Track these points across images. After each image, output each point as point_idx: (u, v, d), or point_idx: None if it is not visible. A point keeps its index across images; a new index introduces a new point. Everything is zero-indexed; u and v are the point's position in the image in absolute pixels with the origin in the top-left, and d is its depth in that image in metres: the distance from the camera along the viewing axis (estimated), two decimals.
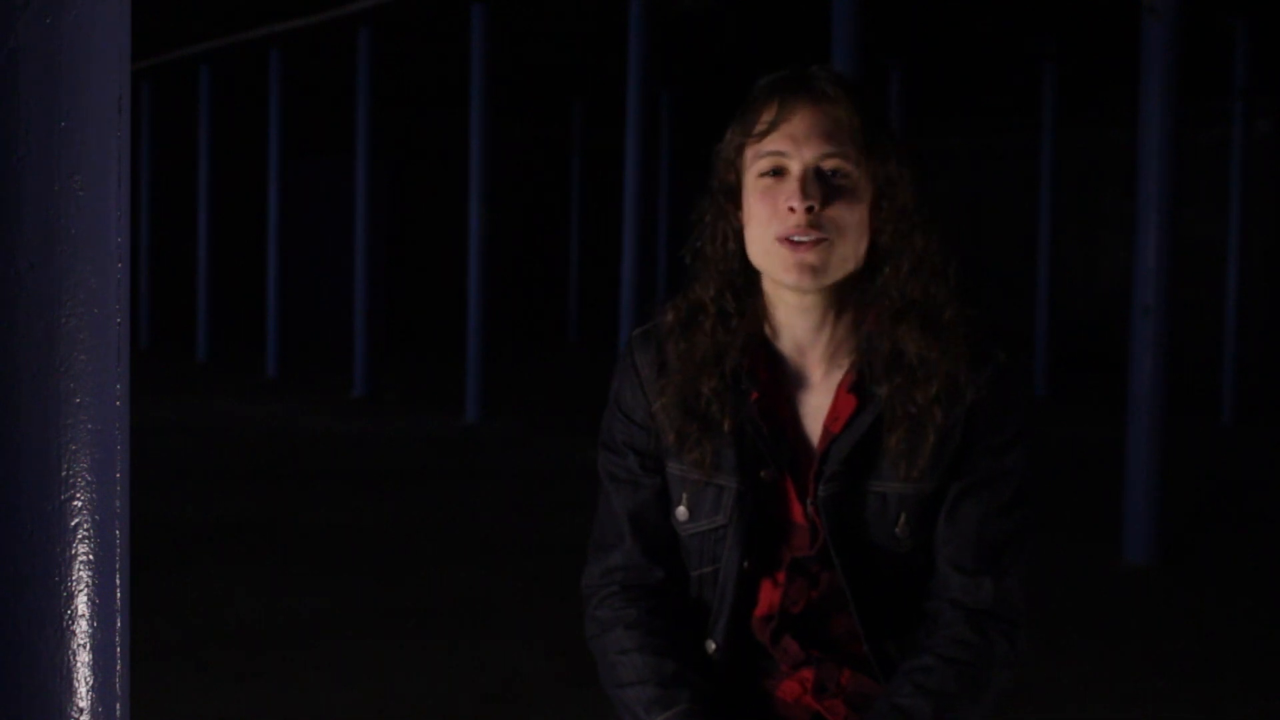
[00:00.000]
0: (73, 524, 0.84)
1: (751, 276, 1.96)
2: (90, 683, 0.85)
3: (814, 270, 1.87)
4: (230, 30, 14.26)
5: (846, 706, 1.94)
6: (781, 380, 1.97)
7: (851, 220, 1.88)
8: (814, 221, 1.86)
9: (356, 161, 13.21)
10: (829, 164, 1.88)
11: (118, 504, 0.87)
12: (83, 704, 0.85)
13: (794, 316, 1.95)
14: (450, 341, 14.74)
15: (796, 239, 1.87)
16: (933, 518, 1.94)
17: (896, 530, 1.92)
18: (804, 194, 1.86)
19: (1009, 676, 1.93)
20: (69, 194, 0.83)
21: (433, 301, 19.95)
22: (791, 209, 1.86)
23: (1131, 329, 6.74)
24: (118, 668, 0.87)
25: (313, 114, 17.73)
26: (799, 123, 1.89)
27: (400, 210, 20.23)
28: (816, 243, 1.86)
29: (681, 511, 1.99)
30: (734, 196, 1.95)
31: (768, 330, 1.98)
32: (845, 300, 1.94)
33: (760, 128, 1.90)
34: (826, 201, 1.86)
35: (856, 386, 1.93)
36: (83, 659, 0.84)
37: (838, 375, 1.96)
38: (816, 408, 1.96)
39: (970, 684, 1.88)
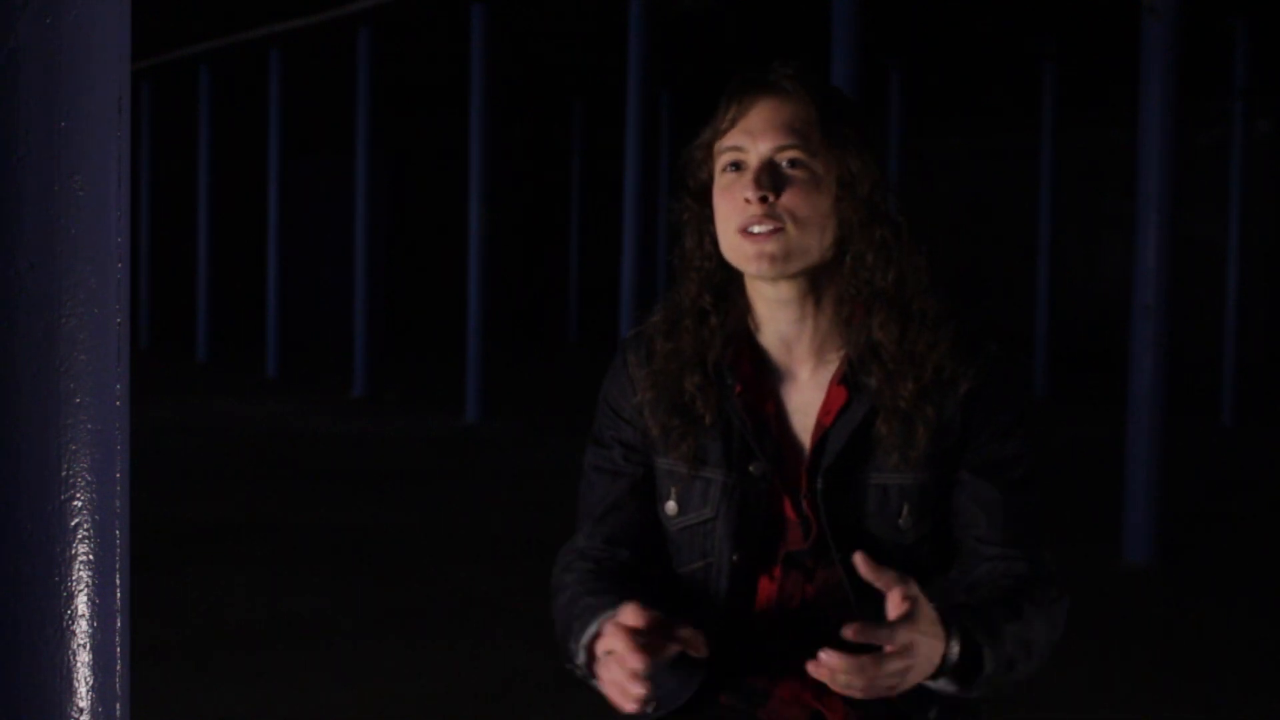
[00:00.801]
0: (73, 524, 0.84)
1: (731, 274, 1.99)
2: (90, 683, 0.85)
3: (772, 258, 1.89)
4: (230, 30, 14.27)
5: (845, 704, 1.94)
6: (765, 375, 1.99)
7: (809, 209, 1.89)
8: (769, 212, 1.88)
9: (356, 161, 13.21)
10: (784, 155, 1.90)
11: (118, 504, 0.87)
12: (83, 704, 0.85)
13: (774, 310, 1.97)
14: (450, 341, 14.74)
15: (754, 230, 1.89)
16: (935, 508, 1.94)
17: (900, 522, 1.93)
18: (757, 185, 1.89)
19: (1054, 637, 1.91)
20: (69, 194, 0.83)
21: (433, 301, 19.95)
22: (747, 200, 1.89)
23: (1131, 329, 6.73)
24: (118, 668, 0.87)
25: (313, 114, 17.73)
26: (755, 117, 1.92)
27: (400, 210, 20.23)
28: (773, 232, 1.88)
29: (671, 506, 2.00)
30: (705, 196, 1.98)
31: (751, 325, 2.00)
32: (824, 292, 1.95)
33: (723, 125, 1.95)
34: (780, 191, 1.89)
35: (847, 379, 1.94)
36: (83, 659, 0.84)
37: (827, 370, 1.97)
38: (806, 403, 1.97)
39: (1035, 605, 1.88)
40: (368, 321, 13.11)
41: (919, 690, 1.92)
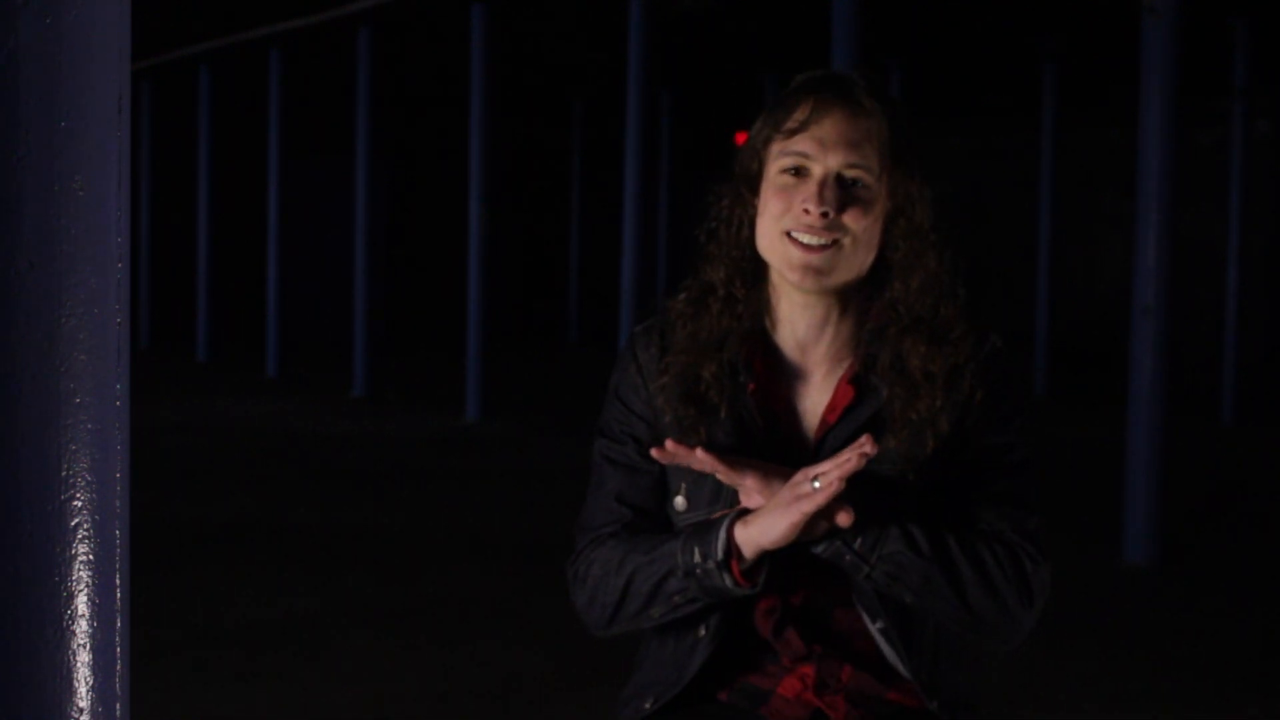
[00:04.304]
0: (73, 524, 0.84)
1: (760, 266, 1.99)
2: (90, 683, 0.85)
3: (818, 272, 1.90)
4: (230, 30, 14.28)
5: (847, 703, 1.94)
6: (778, 374, 2.00)
7: (862, 230, 1.90)
8: (828, 225, 1.89)
9: (356, 161, 13.21)
10: (851, 173, 1.90)
11: (118, 504, 0.87)
12: (83, 704, 0.85)
13: (797, 312, 1.97)
14: (450, 341, 14.74)
15: (807, 240, 1.89)
16: (935, 498, 1.95)
17: None
18: (821, 198, 1.88)
19: (1023, 597, 1.94)
20: (69, 194, 0.83)
21: (433, 301, 19.95)
22: (807, 210, 1.89)
23: (1131, 329, 6.73)
24: (118, 668, 0.87)
25: (313, 114, 17.73)
26: (829, 127, 1.91)
27: (400, 210, 20.23)
28: (824, 247, 1.89)
29: (680, 501, 2.00)
30: (754, 186, 1.97)
31: (768, 322, 2.00)
32: (848, 304, 1.97)
33: (791, 125, 1.93)
34: (842, 208, 1.89)
35: (857, 378, 1.96)
36: (83, 659, 0.84)
37: (840, 372, 1.99)
38: (817, 403, 1.98)
39: (974, 555, 1.91)
40: (368, 321, 13.11)
41: (923, 684, 1.94)
